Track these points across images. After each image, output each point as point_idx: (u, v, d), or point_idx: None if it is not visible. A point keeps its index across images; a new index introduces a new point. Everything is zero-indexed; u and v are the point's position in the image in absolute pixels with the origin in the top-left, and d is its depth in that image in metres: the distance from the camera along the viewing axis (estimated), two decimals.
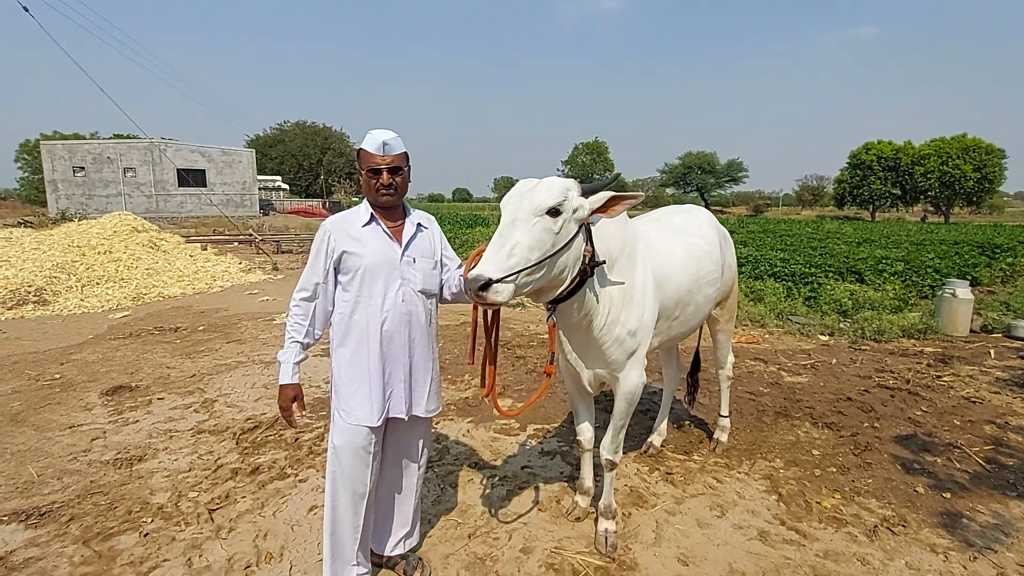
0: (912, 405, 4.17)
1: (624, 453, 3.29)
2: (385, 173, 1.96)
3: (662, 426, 3.41)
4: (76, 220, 13.91)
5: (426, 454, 2.25)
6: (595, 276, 2.04)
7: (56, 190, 24.08)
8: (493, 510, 2.76)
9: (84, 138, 29.73)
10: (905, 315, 6.91)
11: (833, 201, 55.77)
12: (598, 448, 2.53)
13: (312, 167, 47.35)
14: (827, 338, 6.29)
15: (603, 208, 1.92)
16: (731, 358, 3.35)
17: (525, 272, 1.72)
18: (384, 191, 1.98)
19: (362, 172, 1.97)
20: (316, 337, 2.03)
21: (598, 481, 2.74)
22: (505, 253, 1.71)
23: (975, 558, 2.40)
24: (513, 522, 2.66)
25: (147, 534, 2.53)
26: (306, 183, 48.10)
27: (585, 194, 1.90)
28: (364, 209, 2.02)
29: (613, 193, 1.94)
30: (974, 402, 4.24)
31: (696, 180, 65.51)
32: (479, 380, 2.17)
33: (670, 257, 2.46)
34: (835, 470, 3.18)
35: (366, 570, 2.11)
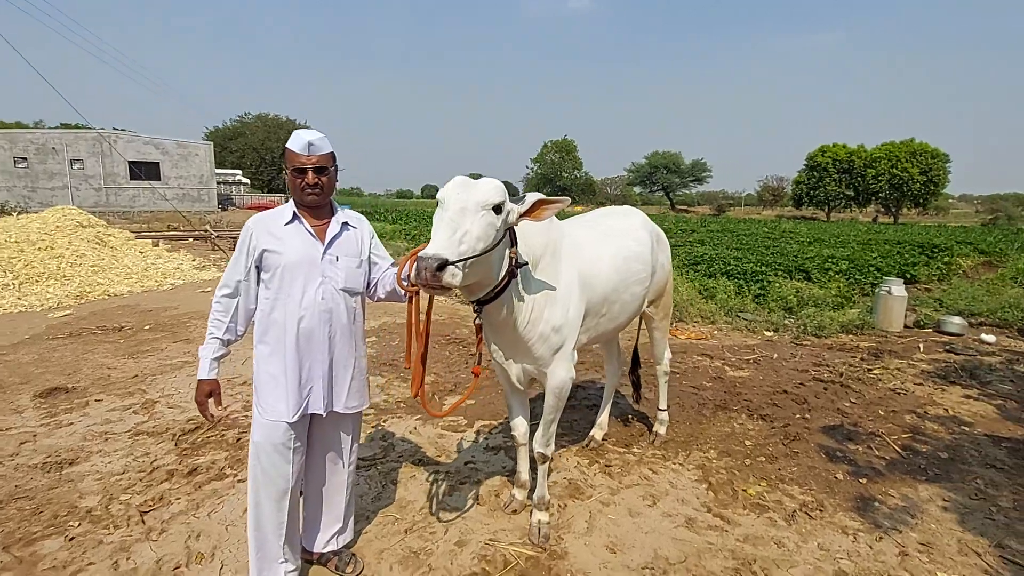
0: (842, 397, 4.41)
1: (565, 447, 3.41)
2: (310, 173, 1.97)
3: (603, 419, 3.51)
4: (15, 214, 13.25)
5: (355, 451, 2.27)
6: (519, 276, 2.11)
7: None
8: (432, 506, 2.81)
9: (27, 127, 28.13)
10: (845, 312, 7.26)
11: (792, 201, 57.80)
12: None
13: (275, 161, 46.13)
14: (772, 334, 6.56)
15: (530, 212, 1.99)
16: (668, 354, 3.48)
17: (472, 261, 1.76)
18: (309, 191, 1.99)
19: (288, 171, 1.98)
20: (239, 334, 2.02)
21: (535, 475, 2.81)
22: (457, 239, 1.74)
23: (881, 538, 2.58)
24: (452, 517, 2.70)
25: (73, 538, 2.46)
26: (268, 177, 46.92)
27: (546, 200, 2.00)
28: (288, 208, 2.03)
29: (541, 197, 2.01)
30: (899, 393, 4.51)
31: (662, 180, 66.85)
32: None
33: (597, 257, 2.55)
34: (764, 459, 3.34)
35: (294, 567, 2.12)
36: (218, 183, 32.11)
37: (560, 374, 2.35)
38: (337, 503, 2.27)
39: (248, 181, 44.24)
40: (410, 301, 1.97)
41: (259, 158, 46.72)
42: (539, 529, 2.53)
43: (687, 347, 5.83)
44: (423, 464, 3.24)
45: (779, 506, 2.84)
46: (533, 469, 2.83)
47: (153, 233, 13.97)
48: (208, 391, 1.97)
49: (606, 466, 3.23)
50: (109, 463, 3.16)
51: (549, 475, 2.80)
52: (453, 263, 1.68)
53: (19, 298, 7.55)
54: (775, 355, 5.61)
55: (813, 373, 5.01)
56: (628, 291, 2.71)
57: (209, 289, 8.89)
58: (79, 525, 2.56)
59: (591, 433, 3.50)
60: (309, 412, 2.05)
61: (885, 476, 3.17)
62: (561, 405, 2.46)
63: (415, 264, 1.71)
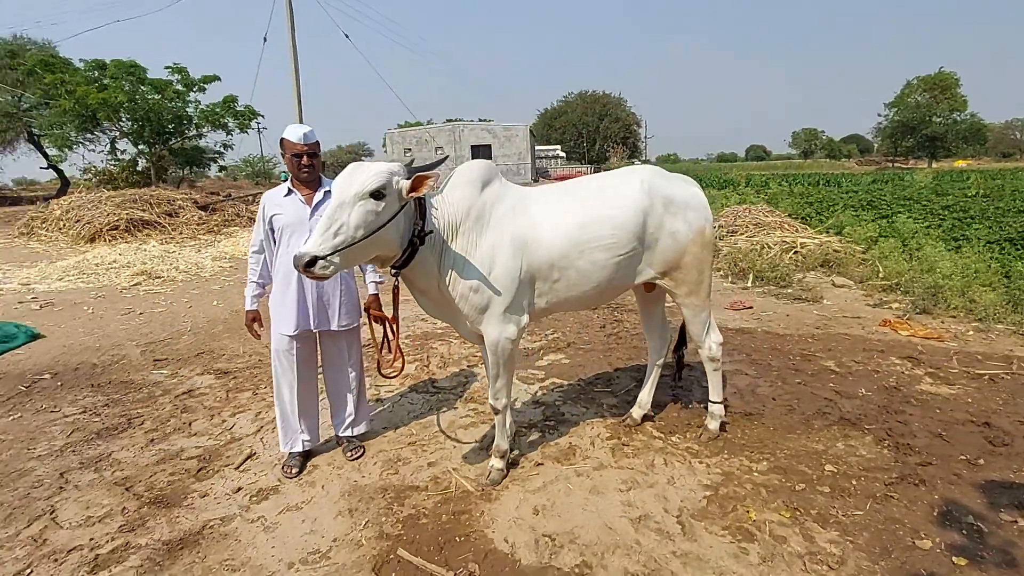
0: None
1: (603, 417, 3.32)
2: (305, 156, 2.66)
3: (643, 398, 3.22)
4: None
5: (356, 358, 2.98)
6: (432, 243, 2.31)
7: None
8: (445, 431, 3.27)
9: (418, 125, 37.80)
10: None
11: None
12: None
13: (590, 134, 49.94)
14: None
15: (416, 188, 2.14)
16: (713, 337, 2.90)
17: (353, 248, 2.06)
18: (304, 169, 2.69)
19: (285, 155, 2.71)
20: (269, 278, 2.89)
21: (524, 428, 2.97)
22: (331, 233, 2.03)
23: None
24: (450, 444, 3.12)
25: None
26: (583, 150, 51.17)
27: (411, 175, 2.16)
28: (287, 184, 2.78)
29: (420, 173, 2.16)
30: None
31: None
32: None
33: (541, 219, 2.47)
34: (827, 490, 2.52)
35: (309, 438, 2.97)
36: (538, 158, 37.17)
37: (492, 333, 2.46)
38: (348, 400, 3.03)
39: (565, 155, 49.24)
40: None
41: (576, 132, 51.26)
42: (489, 473, 2.72)
43: (895, 345, 4.33)
44: (470, 400, 3.70)
45: (773, 542, 2.21)
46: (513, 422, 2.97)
47: None
48: (252, 318, 2.89)
49: (621, 444, 3.03)
50: None
51: (509, 428, 2.83)
52: (323, 258, 1.99)
53: None
54: None
55: None
56: (586, 257, 2.50)
57: None
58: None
59: (631, 411, 3.27)
60: (311, 329, 2.82)
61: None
62: (501, 363, 2.55)
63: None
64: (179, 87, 22.45)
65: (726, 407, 3.15)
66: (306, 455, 3.02)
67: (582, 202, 2.56)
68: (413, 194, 2.17)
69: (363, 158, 34.13)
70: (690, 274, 2.75)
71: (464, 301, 2.41)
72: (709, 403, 3.06)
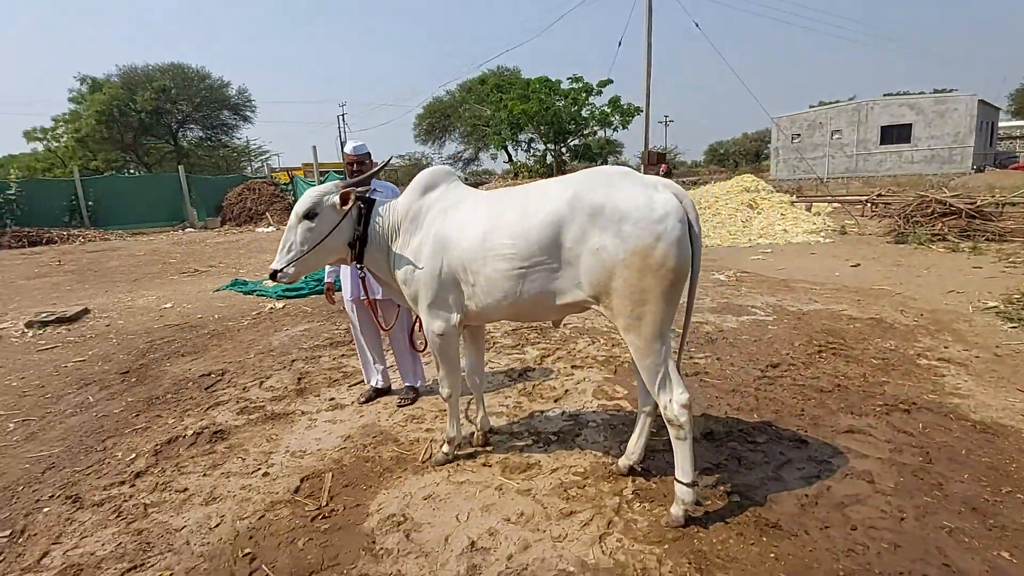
0: None
1: (608, 454, 3.06)
2: (355, 164, 3.43)
3: (630, 447, 2.61)
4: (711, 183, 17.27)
5: (402, 319, 3.66)
6: (379, 242, 2.69)
7: (777, 156, 28.99)
8: (467, 416, 3.55)
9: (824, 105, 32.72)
10: None
11: None
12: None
13: None
14: None
15: (343, 201, 2.58)
16: (673, 394, 2.10)
17: (303, 258, 2.59)
18: (354, 173, 3.46)
19: (345, 163, 3.51)
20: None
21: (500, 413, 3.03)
22: (285, 249, 2.61)
23: None
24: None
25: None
26: None
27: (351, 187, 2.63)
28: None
29: (343, 191, 2.59)
30: None
31: None
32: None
33: (462, 223, 2.47)
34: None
35: (383, 366, 3.86)
36: (1000, 139, 26.10)
37: (426, 322, 2.67)
38: (403, 354, 3.79)
39: None
40: None
41: None
42: (433, 454, 2.95)
43: None
44: (505, 372, 3.77)
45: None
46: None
47: (808, 198, 14.67)
48: (329, 288, 3.80)
49: (575, 484, 2.64)
50: None
51: (481, 422, 3.04)
52: (281, 269, 2.59)
53: None
54: None
55: None
56: (489, 266, 2.32)
57: (766, 251, 9.44)
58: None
59: (620, 458, 2.72)
60: (359, 296, 3.63)
61: None
62: (437, 354, 2.72)
63: None
64: (579, 95, 26.65)
65: (697, 490, 2.28)
66: (381, 391, 3.90)
67: (499, 208, 2.40)
68: (345, 207, 2.60)
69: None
70: (623, 305, 2.15)
71: (404, 288, 2.71)
72: (676, 481, 2.28)
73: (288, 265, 2.62)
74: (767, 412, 3.32)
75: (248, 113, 36.39)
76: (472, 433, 3.13)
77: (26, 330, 6.29)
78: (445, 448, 2.92)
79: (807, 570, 2.02)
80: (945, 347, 4.31)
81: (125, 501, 2.72)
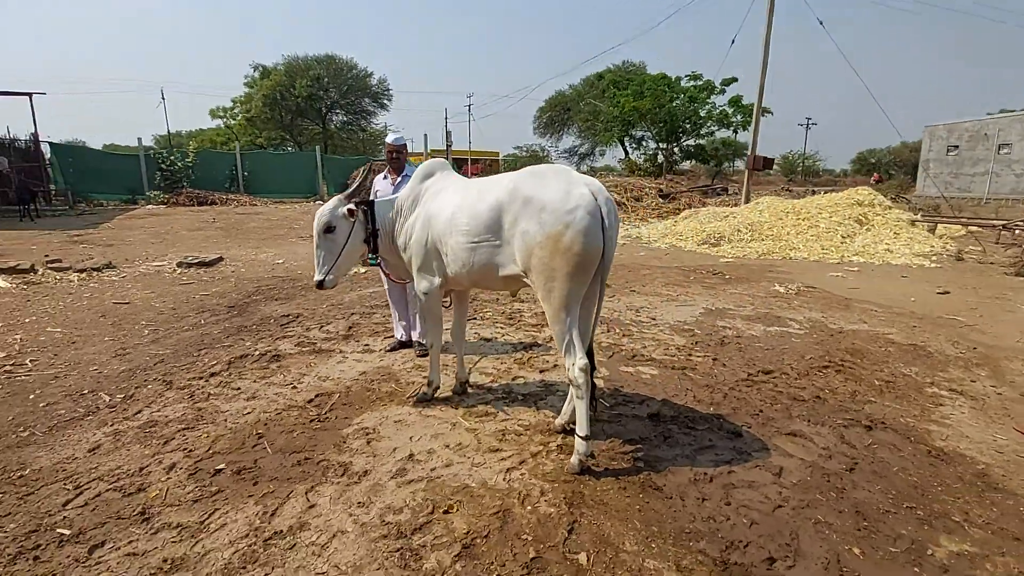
0: None
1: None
2: (395, 152, 4.17)
3: (565, 408, 3.06)
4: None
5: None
6: (386, 227, 3.34)
7: (927, 169, 25.43)
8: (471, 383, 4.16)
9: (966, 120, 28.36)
10: None
11: None
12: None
13: None
14: None
15: (350, 212, 3.22)
16: (574, 359, 2.52)
17: (336, 265, 3.24)
18: (393, 161, 4.19)
19: (386, 152, 4.24)
20: None
21: (490, 373, 3.61)
22: (319, 263, 3.21)
23: None
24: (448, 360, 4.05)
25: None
26: None
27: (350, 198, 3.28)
28: (387, 171, 4.31)
29: (349, 207, 3.23)
30: None
31: None
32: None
33: (444, 203, 3.05)
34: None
35: (405, 322, 4.61)
36: None
37: (416, 282, 3.33)
38: (413, 311, 4.49)
39: None
40: None
41: None
42: (417, 392, 3.61)
43: None
44: (515, 344, 4.29)
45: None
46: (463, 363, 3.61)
47: (939, 218, 12.97)
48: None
49: (513, 431, 3.15)
50: None
51: (435, 365, 3.55)
52: (324, 279, 3.22)
53: (732, 247, 10.73)
54: None
55: None
56: (453, 239, 2.89)
57: (855, 274, 8.82)
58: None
59: (557, 419, 3.17)
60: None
61: None
62: (421, 307, 3.37)
63: None
64: (699, 93, 25.62)
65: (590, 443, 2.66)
66: (404, 344, 4.66)
67: (466, 193, 2.96)
68: (351, 217, 3.25)
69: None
70: (538, 279, 2.62)
71: (403, 257, 3.38)
72: (575, 435, 2.70)
73: (327, 275, 3.26)
74: (726, 408, 3.52)
75: (385, 101, 39.98)
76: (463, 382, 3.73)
77: (176, 268, 8.05)
78: (425, 389, 3.57)
79: (660, 522, 2.37)
80: (972, 381, 4.06)
81: (198, 390, 3.73)
